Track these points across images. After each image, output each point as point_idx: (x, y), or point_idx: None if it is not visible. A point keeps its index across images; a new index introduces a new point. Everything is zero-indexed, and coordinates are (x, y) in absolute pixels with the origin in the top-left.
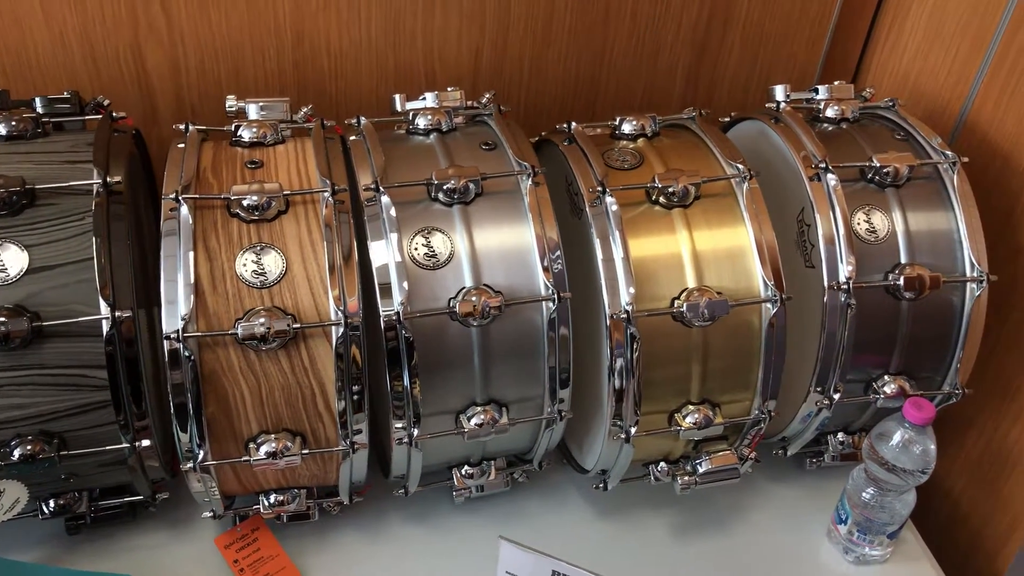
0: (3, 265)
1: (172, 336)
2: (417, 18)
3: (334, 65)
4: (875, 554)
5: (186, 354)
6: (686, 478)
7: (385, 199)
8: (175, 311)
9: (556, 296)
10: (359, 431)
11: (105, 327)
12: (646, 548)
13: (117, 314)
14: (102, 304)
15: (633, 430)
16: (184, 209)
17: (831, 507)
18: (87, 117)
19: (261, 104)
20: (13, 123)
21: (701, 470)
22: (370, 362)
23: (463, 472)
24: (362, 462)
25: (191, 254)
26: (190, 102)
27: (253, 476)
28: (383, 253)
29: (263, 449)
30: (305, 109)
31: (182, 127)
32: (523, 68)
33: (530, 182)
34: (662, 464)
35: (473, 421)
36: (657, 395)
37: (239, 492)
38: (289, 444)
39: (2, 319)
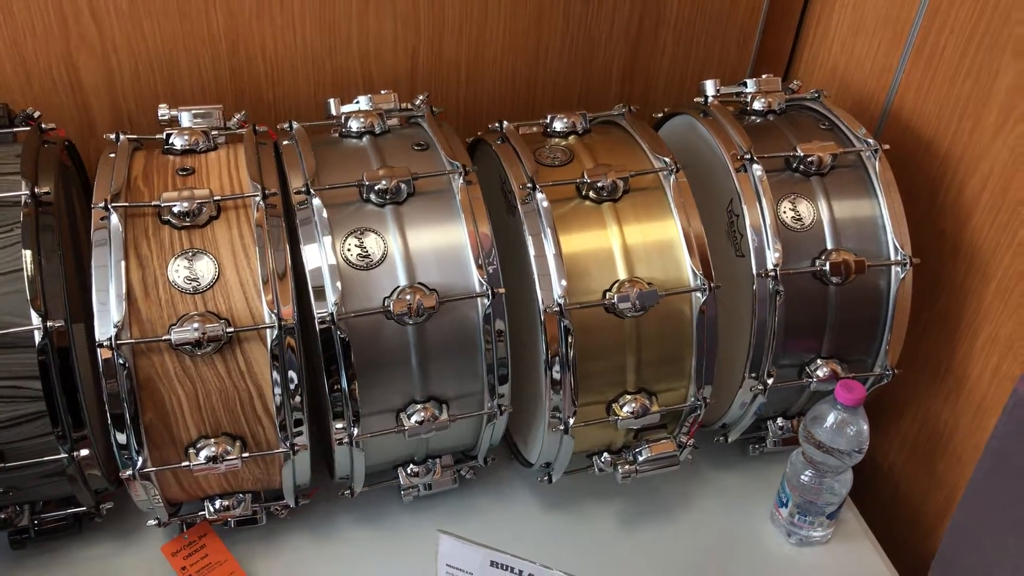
0: None
1: (105, 344)
2: (352, 22)
3: (271, 71)
4: (816, 535)
5: (120, 361)
6: (627, 467)
7: (316, 201)
8: (107, 319)
9: (491, 292)
10: (299, 433)
11: (37, 337)
12: (594, 538)
13: (49, 324)
14: (33, 315)
15: (572, 421)
16: (114, 217)
17: (774, 492)
18: (16, 129)
19: (194, 112)
20: None
21: (641, 458)
22: (309, 364)
23: (408, 471)
24: (304, 464)
25: (122, 262)
26: (127, 112)
27: (195, 482)
28: (316, 255)
29: (203, 454)
30: (238, 115)
31: (112, 136)
32: (460, 70)
33: (462, 181)
34: (605, 455)
35: (413, 419)
36: (594, 386)
37: (183, 499)
38: (229, 448)
39: None
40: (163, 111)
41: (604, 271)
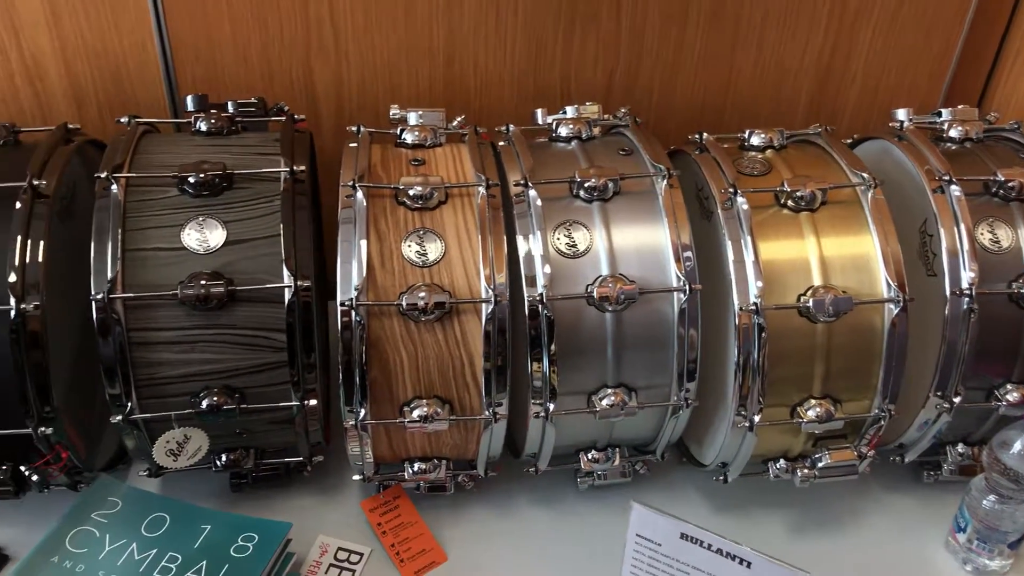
0: (205, 237)
1: (346, 304)
2: (557, 43)
3: (479, 83)
4: (994, 564)
5: (357, 319)
6: (805, 471)
7: (532, 193)
8: (349, 283)
9: (687, 288)
10: (500, 403)
11: (287, 295)
12: (763, 545)
13: (299, 283)
14: (285, 274)
15: (757, 418)
16: (359, 195)
17: (947, 520)
18: (270, 119)
19: (420, 113)
20: (212, 121)
21: (820, 464)
22: (512, 345)
23: (590, 456)
24: (501, 433)
25: (364, 234)
26: (349, 113)
27: (403, 441)
28: (529, 242)
29: (416, 412)
30: (459, 118)
31: (354, 129)
32: (652, 92)
33: (665, 183)
34: (781, 461)
35: (605, 402)
36: (781, 389)
37: (388, 458)
38: (439, 410)
39: (203, 283)
40: (394, 111)
41: (799, 277)
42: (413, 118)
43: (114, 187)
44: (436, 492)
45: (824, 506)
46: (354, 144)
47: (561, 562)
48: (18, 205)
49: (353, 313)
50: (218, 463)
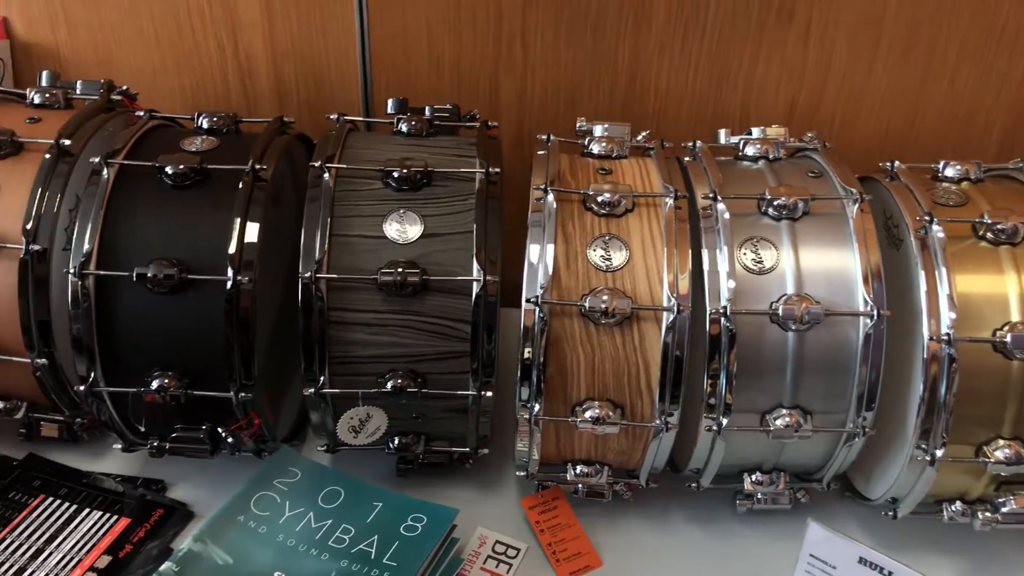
0: (404, 229)
1: (532, 300)
2: (741, 68)
3: (658, 104)
4: None
5: (540, 317)
6: (987, 514)
7: (721, 207)
8: (535, 281)
9: (875, 313)
10: (672, 413)
11: (475, 288)
12: None
13: (488, 278)
14: (475, 268)
15: (939, 453)
16: (550, 198)
17: None
18: (462, 124)
19: (606, 126)
20: (413, 123)
21: (1004, 509)
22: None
23: (754, 478)
24: (669, 444)
25: (552, 236)
26: (529, 125)
27: (570, 442)
28: (715, 255)
29: (588, 413)
30: (644, 133)
31: (543, 137)
32: (833, 122)
33: (856, 207)
34: (957, 503)
35: (779, 422)
36: (967, 426)
37: (551, 458)
38: (611, 413)
39: (400, 270)
40: (581, 123)
41: (996, 312)
42: (599, 130)
43: (326, 176)
44: (593, 498)
45: (997, 555)
46: (543, 152)
47: None
48: (240, 186)
49: (537, 310)
50: (391, 445)
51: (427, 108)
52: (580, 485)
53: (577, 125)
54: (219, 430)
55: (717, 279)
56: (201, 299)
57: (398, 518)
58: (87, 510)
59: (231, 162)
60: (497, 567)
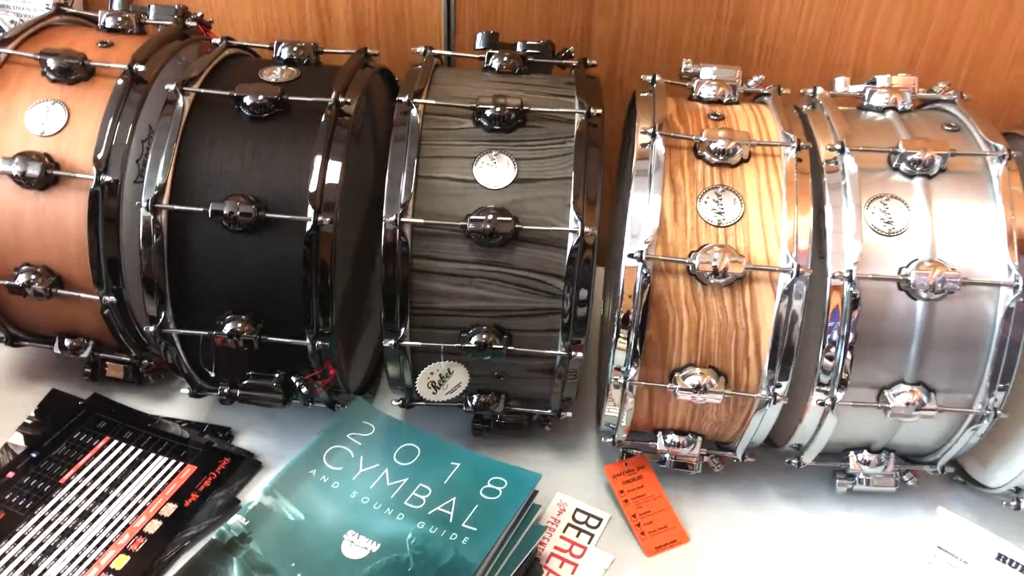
0: (496, 173)
1: (635, 256)
2: (858, 18)
3: (764, 53)
4: None
5: (643, 272)
6: None
7: (848, 160)
8: (639, 235)
9: (1020, 284)
10: (781, 384)
11: (571, 240)
12: None
13: (587, 230)
14: (572, 218)
15: None
16: (658, 143)
17: None
18: (557, 62)
19: (715, 68)
20: (505, 59)
21: None
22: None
23: (860, 457)
24: (774, 416)
25: (660, 186)
26: (621, 70)
27: (663, 409)
28: (839, 214)
29: (688, 380)
30: (757, 78)
31: (648, 78)
32: (959, 76)
33: (1002, 165)
34: None
35: (899, 399)
36: None
37: (640, 425)
38: (713, 381)
39: (491, 217)
40: (687, 65)
41: None
42: (708, 72)
43: (413, 112)
44: (680, 469)
45: None
46: (646, 94)
47: (818, 565)
48: (323, 120)
49: (640, 267)
50: (469, 403)
51: (519, 44)
52: (669, 455)
53: (682, 67)
54: (292, 379)
55: (841, 240)
56: (278, 240)
57: (477, 480)
58: (152, 455)
59: (312, 94)
60: (578, 536)
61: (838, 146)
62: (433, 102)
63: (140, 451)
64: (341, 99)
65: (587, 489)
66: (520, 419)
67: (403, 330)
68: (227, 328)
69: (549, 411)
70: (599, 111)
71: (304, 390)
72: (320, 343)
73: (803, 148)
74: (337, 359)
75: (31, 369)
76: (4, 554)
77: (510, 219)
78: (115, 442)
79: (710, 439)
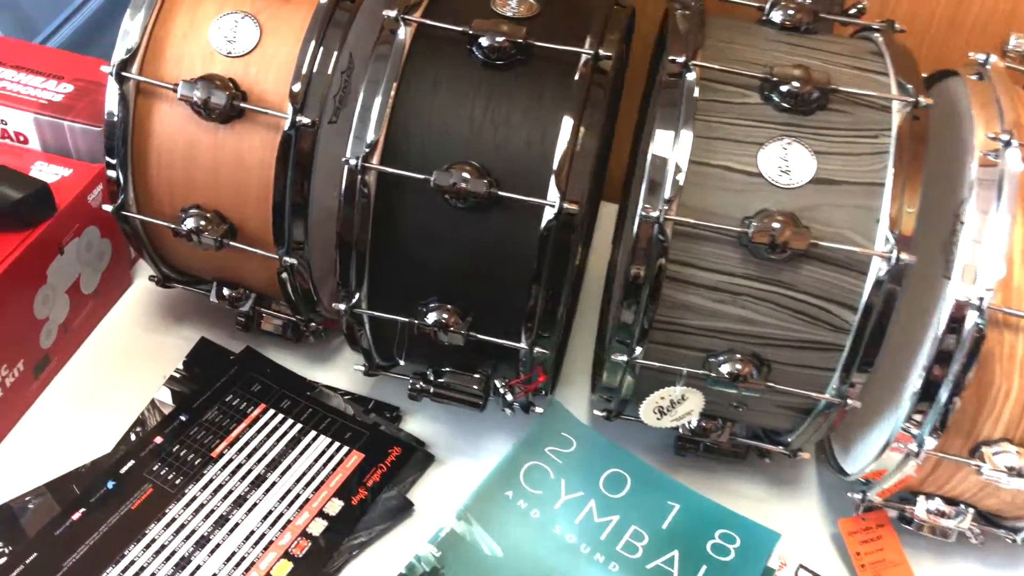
0: (789, 167)
1: (972, 303)
2: None
3: None
4: None
5: (977, 323)
6: None
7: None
8: (986, 273)
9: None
10: None
11: (877, 266)
12: None
13: (903, 258)
14: (880, 238)
15: None
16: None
17: None
18: (848, 20)
19: None
20: (791, 12)
21: None
22: None
23: None
24: None
25: (1010, 215)
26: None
27: (946, 478)
28: None
29: (1002, 460)
30: None
31: (979, 57)
32: None
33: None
34: None
35: None
36: None
37: (911, 487)
38: None
39: (777, 225)
40: (1018, 40)
41: None
42: None
43: (689, 76)
44: (933, 535)
45: None
46: (976, 76)
47: None
48: (577, 78)
49: (976, 315)
50: (687, 425)
51: None
52: (925, 521)
53: (1011, 42)
54: (496, 383)
55: None
56: (508, 223)
57: (703, 531)
58: (312, 433)
59: (559, 39)
60: None
61: None
62: (714, 66)
63: (300, 427)
64: (601, 52)
65: (809, 539)
66: (741, 449)
67: (639, 347)
68: (431, 317)
69: (782, 448)
70: (928, 101)
71: (509, 396)
72: (540, 350)
73: None
74: (549, 364)
75: (176, 307)
76: (155, 540)
77: (805, 230)
78: (271, 412)
79: (983, 512)
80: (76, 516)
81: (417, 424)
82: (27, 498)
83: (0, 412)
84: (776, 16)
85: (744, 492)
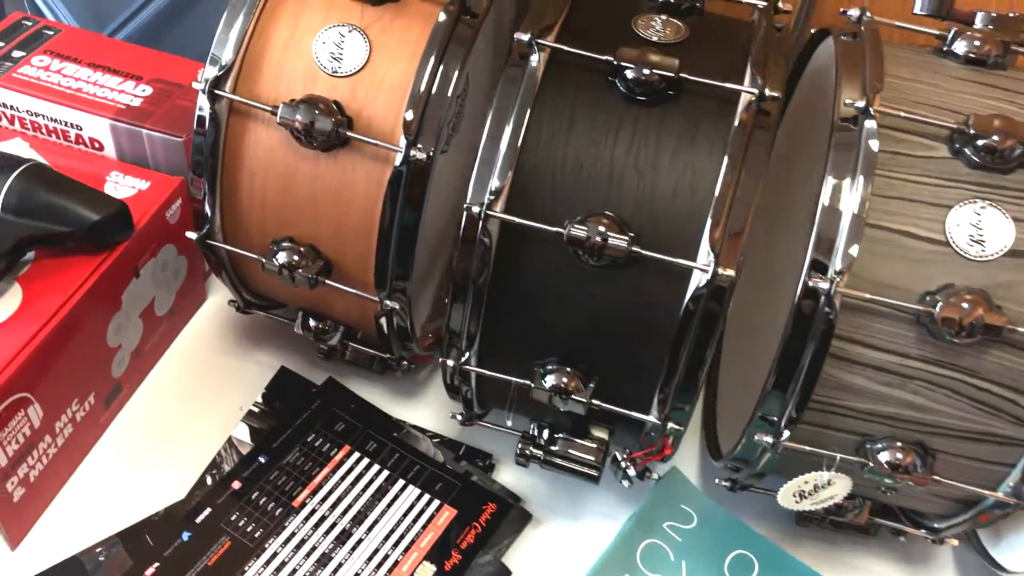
0: (982, 235)
1: None
2: None
3: None
4: None
5: None
6: None
7: None
8: None
9: None
10: None
11: None
12: None
13: None
14: None
15: None
16: None
17: None
18: None
19: None
20: (976, 43)
21: None
22: None
23: None
24: None
25: None
26: None
27: None
28: None
29: None
30: None
31: None
32: None
33: None
34: None
35: None
36: None
37: None
38: None
39: (966, 305)
40: None
41: None
42: None
43: (868, 124)
44: None
45: None
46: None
47: None
48: (736, 124)
49: None
50: None
51: (979, 14)
52: None
53: None
54: (618, 456)
55: None
56: (648, 284)
57: None
58: (401, 482)
59: (712, 70)
60: None
61: None
62: (898, 113)
63: (387, 474)
64: (768, 92)
65: None
66: (873, 527)
67: (791, 429)
68: (549, 380)
69: (924, 533)
70: None
71: (631, 470)
72: (672, 426)
73: None
74: (680, 438)
75: (252, 326)
76: None
77: (998, 312)
78: (356, 455)
79: None
80: (150, 572)
81: (511, 475)
82: (98, 550)
83: (69, 448)
84: (960, 47)
85: (871, 569)
